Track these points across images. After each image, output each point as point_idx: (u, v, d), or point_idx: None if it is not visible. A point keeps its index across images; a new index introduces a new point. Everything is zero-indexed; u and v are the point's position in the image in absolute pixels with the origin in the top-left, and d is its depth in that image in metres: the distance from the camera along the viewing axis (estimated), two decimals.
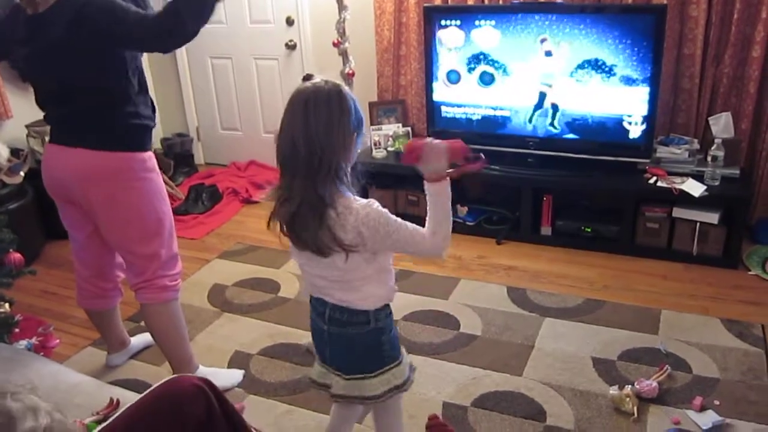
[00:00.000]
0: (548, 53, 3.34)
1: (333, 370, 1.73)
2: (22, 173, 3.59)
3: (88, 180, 2.15)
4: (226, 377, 2.53)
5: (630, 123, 3.28)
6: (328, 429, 1.99)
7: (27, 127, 3.86)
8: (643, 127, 3.27)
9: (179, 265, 2.40)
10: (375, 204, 1.52)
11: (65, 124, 2.18)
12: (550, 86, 3.40)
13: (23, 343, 2.55)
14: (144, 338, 2.82)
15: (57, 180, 2.23)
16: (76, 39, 2.00)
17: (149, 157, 2.23)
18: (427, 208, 1.59)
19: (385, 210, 1.53)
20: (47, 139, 3.34)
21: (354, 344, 1.67)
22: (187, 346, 2.46)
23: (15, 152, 3.69)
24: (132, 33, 1.98)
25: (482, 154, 1.62)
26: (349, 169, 1.54)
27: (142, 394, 1.54)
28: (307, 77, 1.53)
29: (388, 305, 1.69)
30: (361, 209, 1.49)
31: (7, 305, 2.55)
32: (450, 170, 1.57)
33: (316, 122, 1.45)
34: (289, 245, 1.63)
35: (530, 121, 3.50)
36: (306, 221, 1.50)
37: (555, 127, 3.45)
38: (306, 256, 1.58)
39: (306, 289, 1.72)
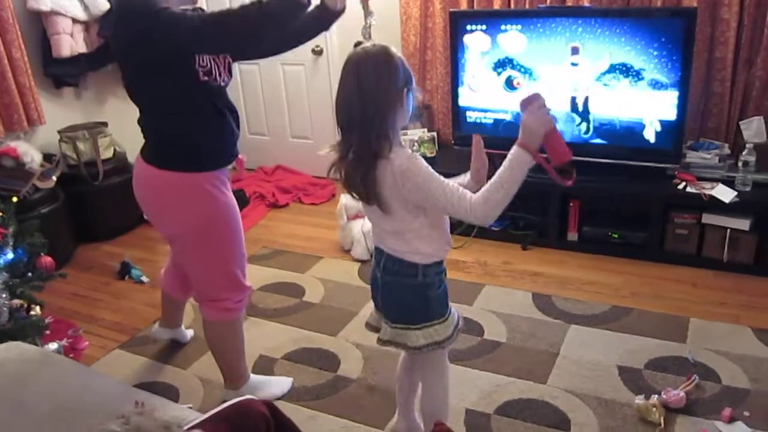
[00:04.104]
0: (574, 64, 3.33)
1: (383, 316, 1.85)
2: (54, 178, 3.68)
3: (150, 198, 2.16)
4: (276, 385, 2.53)
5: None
6: (396, 376, 2.13)
7: (59, 132, 3.94)
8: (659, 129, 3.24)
9: (245, 290, 2.32)
10: (416, 157, 1.63)
11: (145, 139, 2.16)
12: (577, 90, 3.39)
13: (53, 345, 2.61)
14: (190, 332, 2.90)
15: (136, 194, 2.22)
16: (142, 53, 1.96)
17: (213, 178, 2.13)
18: (497, 171, 1.60)
19: (425, 165, 1.63)
20: (79, 144, 3.39)
21: (402, 295, 1.78)
22: (243, 362, 2.45)
23: (48, 157, 3.78)
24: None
25: (575, 174, 1.63)
26: (400, 127, 1.66)
27: (213, 412, 1.57)
28: (358, 44, 1.65)
29: (440, 263, 1.78)
30: (397, 159, 1.61)
31: (38, 308, 2.61)
32: (544, 156, 1.60)
33: (367, 81, 1.58)
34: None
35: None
36: (365, 173, 1.62)
37: (588, 130, 3.43)
38: (371, 207, 1.70)
39: (372, 239, 1.85)
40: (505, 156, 1.62)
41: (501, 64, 3.52)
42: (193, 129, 2.08)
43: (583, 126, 3.42)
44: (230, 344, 2.39)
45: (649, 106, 3.22)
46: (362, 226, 3.51)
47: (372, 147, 1.59)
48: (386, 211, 1.67)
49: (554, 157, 1.61)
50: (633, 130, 3.30)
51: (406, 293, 1.78)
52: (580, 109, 3.41)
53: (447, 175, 1.67)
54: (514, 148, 1.59)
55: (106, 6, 3.84)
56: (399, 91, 1.61)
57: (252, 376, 2.50)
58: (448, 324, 1.82)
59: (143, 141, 2.18)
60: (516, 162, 1.58)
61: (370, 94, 1.57)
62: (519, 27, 3.41)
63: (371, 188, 1.62)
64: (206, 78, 2.01)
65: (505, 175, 1.58)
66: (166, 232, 2.27)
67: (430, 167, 1.63)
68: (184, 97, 2.03)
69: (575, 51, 3.30)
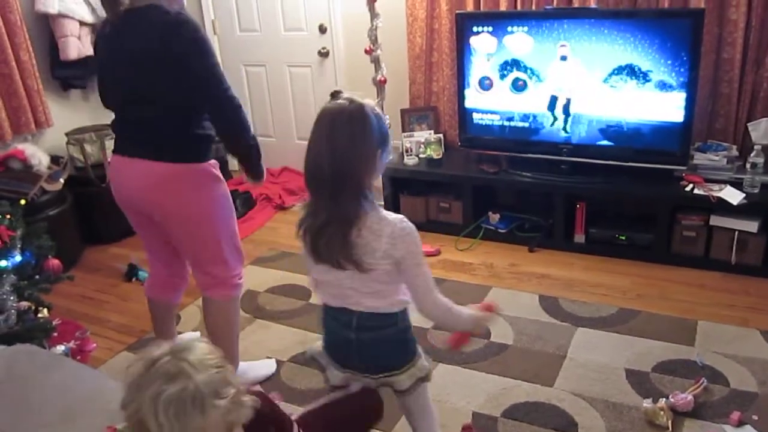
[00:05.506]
0: (563, 57, 3.34)
1: (360, 374, 1.77)
2: (61, 180, 3.69)
3: (153, 192, 2.17)
4: (261, 368, 2.66)
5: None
6: None
7: (67, 135, 3.96)
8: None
9: (243, 259, 2.47)
10: (407, 221, 1.58)
11: (130, 135, 2.21)
12: (560, 90, 3.40)
13: (61, 347, 2.61)
14: (196, 334, 2.89)
15: (124, 193, 2.26)
16: (156, 54, 2.04)
17: (213, 165, 2.26)
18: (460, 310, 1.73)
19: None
20: (86, 147, 3.39)
21: (384, 345, 1.72)
22: (237, 344, 2.55)
23: (55, 160, 3.80)
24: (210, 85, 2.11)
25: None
26: (372, 185, 1.58)
27: (339, 397, 1.78)
28: (335, 94, 1.57)
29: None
30: (397, 221, 1.56)
31: (45, 310, 2.62)
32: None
33: (340, 142, 1.50)
34: (305, 255, 1.70)
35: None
36: (331, 238, 1.55)
37: (566, 131, 3.45)
38: (327, 269, 1.63)
39: (323, 299, 1.78)
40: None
41: (508, 66, 3.51)
42: (204, 124, 2.22)
43: (560, 125, 3.46)
44: (233, 323, 2.49)
45: (658, 108, 3.21)
46: None
47: (343, 212, 1.52)
48: (366, 271, 1.57)
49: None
50: (640, 132, 3.29)
51: (389, 343, 1.72)
52: (559, 109, 3.42)
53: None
54: (468, 318, 1.74)
55: None
56: (374, 151, 1.53)
57: (241, 363, 2.57)
58: (424, 359, 1.79)
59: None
60: (462, 322, 1.74)
61: (342, 155, 1.48)
62: (525, 29, 3.40)
63: (352, 253, 1.54)
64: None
65: (458, 317, 1.73)
66: (176, 222, 2.26)
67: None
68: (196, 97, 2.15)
69: (563, 46, 3.32)
